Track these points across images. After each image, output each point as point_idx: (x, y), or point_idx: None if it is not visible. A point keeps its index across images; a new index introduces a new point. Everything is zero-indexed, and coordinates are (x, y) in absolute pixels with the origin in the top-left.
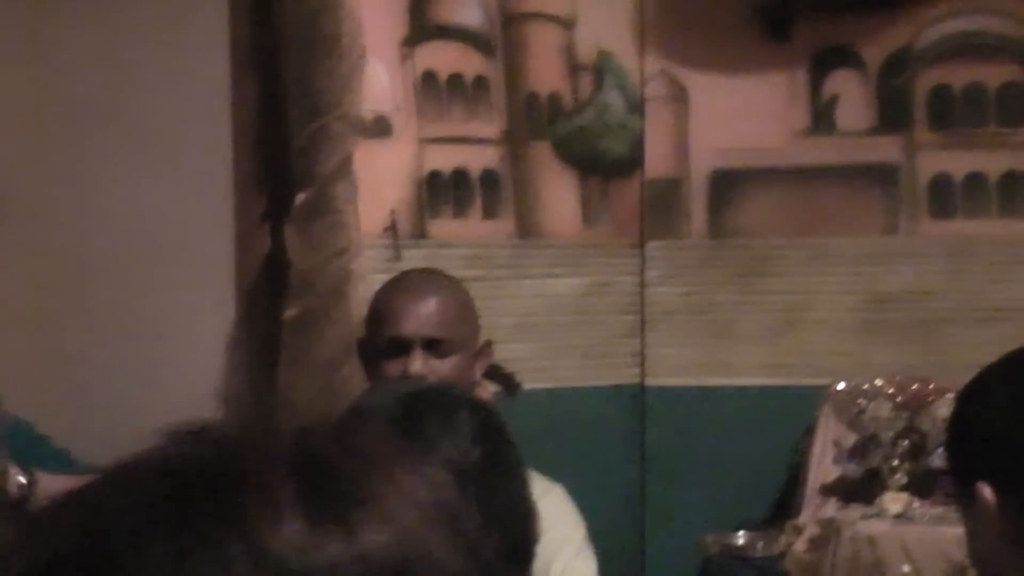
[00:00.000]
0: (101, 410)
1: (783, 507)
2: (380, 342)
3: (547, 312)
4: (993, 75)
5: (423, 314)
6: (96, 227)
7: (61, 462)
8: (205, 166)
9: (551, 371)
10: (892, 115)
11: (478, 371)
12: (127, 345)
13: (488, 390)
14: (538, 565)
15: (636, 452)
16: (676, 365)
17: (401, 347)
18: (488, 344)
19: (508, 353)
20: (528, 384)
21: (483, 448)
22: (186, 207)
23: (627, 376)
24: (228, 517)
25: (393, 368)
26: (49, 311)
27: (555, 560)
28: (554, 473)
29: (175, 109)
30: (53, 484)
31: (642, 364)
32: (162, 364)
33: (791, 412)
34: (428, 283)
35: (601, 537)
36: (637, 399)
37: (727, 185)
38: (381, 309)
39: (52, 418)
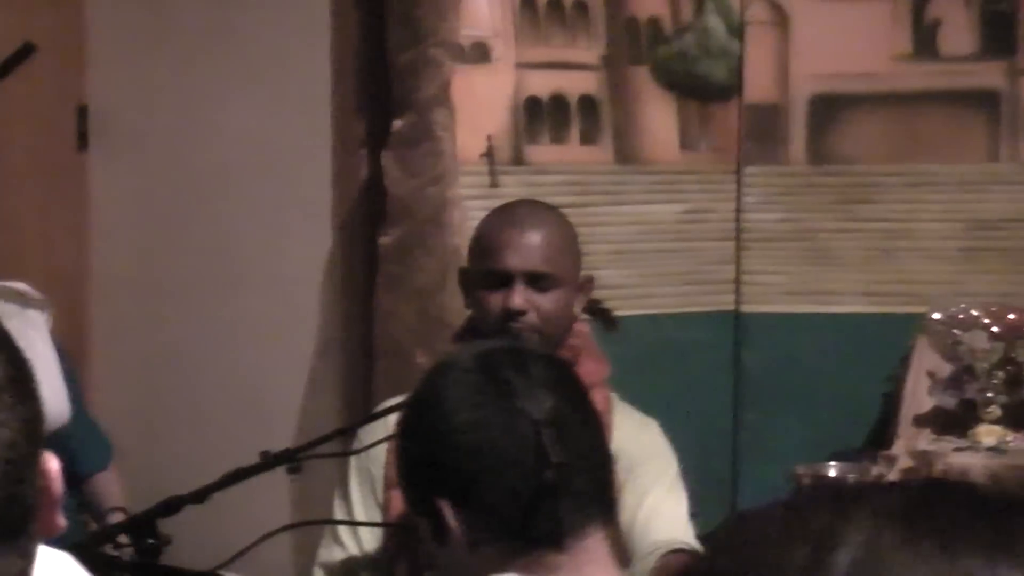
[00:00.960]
0: (195, 329)
1: (877, 437)
2: (482, 274)
3: (644, 238)
4: None
5: (527, 247)
6: (196, 150)
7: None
8: (304, 92)
9: (647, 298)
10: (995, 40)
11: (578, 306)
12: (224, 269)
13: (585, 325)
14: (630, 499)
15: (731, 379)
16: (772, 292)
17: (503, 280)
18: (590, 279)
19: (604, 280)
20: (625, 311)
21: (556, 398)
22: (285, 133)
23: (723, 303)
24: None
25: (494, 301)
26: (149, 232)
27: (647, 495)
28: (649, 399)
29: (276, 34)
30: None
31: (738, 290)
32: (258, 289)
33: (887, 340)
34: (533, 215)
35: (693, 465)
36: (733, 326)
37: (827, 110)
38: (484, 240)
39: (150, 329)
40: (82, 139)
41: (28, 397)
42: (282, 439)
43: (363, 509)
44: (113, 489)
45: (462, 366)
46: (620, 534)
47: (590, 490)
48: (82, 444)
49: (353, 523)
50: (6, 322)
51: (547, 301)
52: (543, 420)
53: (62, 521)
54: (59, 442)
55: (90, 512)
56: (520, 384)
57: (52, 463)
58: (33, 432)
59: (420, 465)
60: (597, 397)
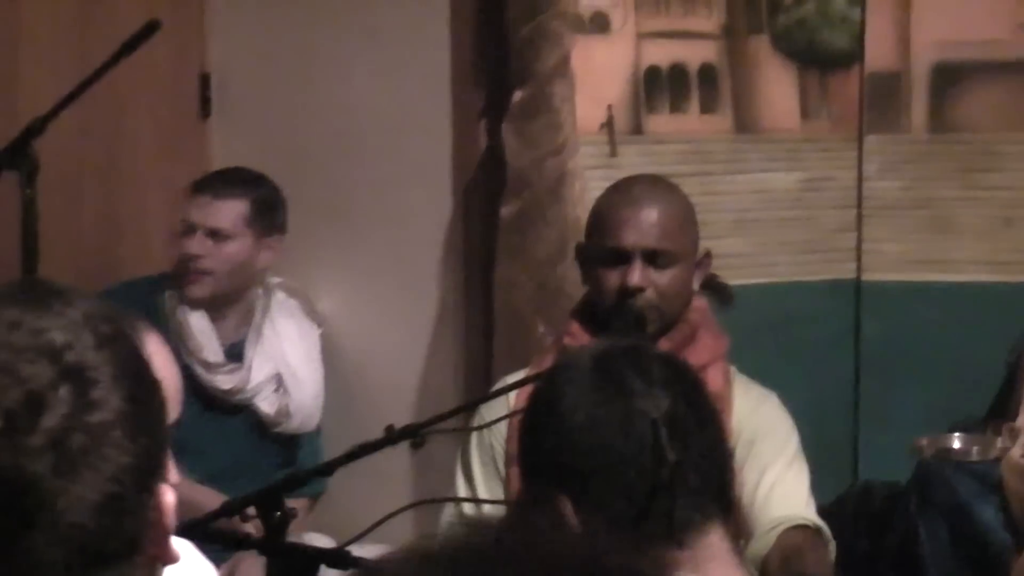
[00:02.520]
0: (314, 300)
1: (1000, 408)
2: (600, 251)
3: (763, 207)
4: None
5: (644, 225)
6: (316, 119)
7: None
8: (424, 62)
9: (767, 266)
10: None
11: (696, 282)
12: (345, 239)
13: (703, 300)
14: (752, 474)
15: (851, 348)
16: (893, 260)
17: (621, 257)
18: (707, 255)
19: (724, 248)
20: (744, 279)
21: (673, 397)
22: (404, 104)
23: (844, 271)
24: None
25: (612, 278)
26: None
27: (767, 471)
28: (769, 369)
29: (395, 4)
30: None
31: (859, 259)
32: (379, 260)
33: (1010, 310)
34: (651, 192)
35: (814, 435)
36: (853, 294)
37: (949, 78)
38: (602, 217)
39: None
40: (204, 107)
41: (145, 432)
42: (403, 409)
43: (485, 485)
44: None
45: (581, 365)
46: (739, 531)
47: (708, 488)
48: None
49: (476, 500)
50: (295, 320)
51: (665, 278)
52: (659, 419)
53: (176, 553)
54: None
55: None
56: (637, 384)
57: (168, 497)
58: (145, 467)
59: (539, 462)
60: (716, 372)
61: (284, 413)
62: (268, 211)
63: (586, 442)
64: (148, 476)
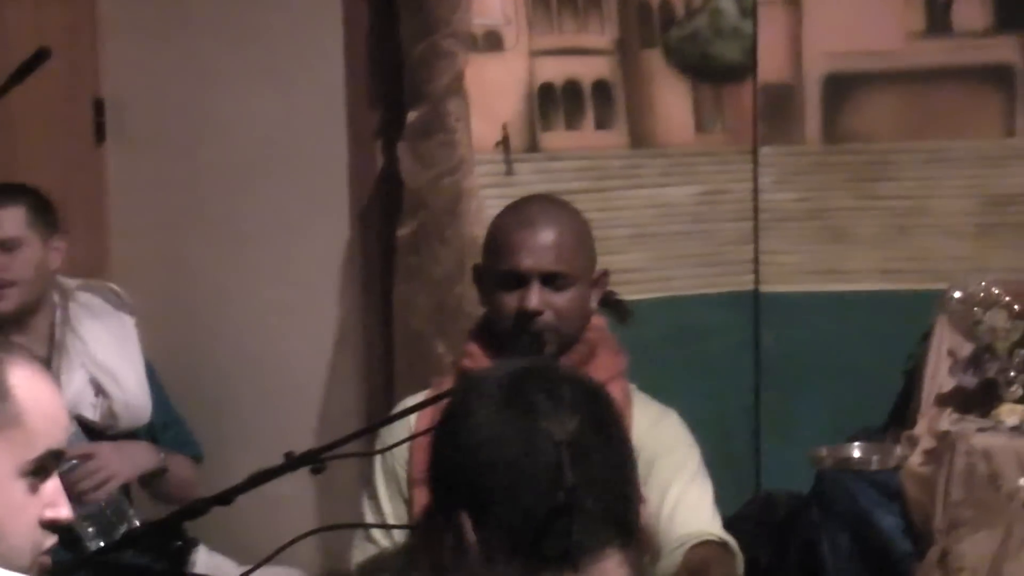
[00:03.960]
0: (210, 322)
1: (899, 415)
2: (497, 273)
3: (660, 221)
4: None
5: (541, 247)
6: (212, 143)
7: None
8: (319, 84)
9: (666, 280)
10: (1008, 14)
11: (594, 301)
12: (242, 260)
13: (602, 318)
14: (654, 493)
15: (751, 360)
16: (790, 271)
17: (518, 280)
18: (605, 273)
19: (622, 263)
20: (643, 294)
21: (581, 419)
22: (300, 125)
23: (741, 283)
24: None
25: (509, 301)
26: (166, 225)
27: (670, 488)
28: (669, 381)
29: (289, 27)
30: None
31: (756, 271)
32: (276, 282)
33: (907, 318)
34: (546, 213)
35: (716, 447)
36: (752, 306)
37: (841, 89)
38: (498, 239)
39: (168, 323)
40: (99, 132)
41: None
42: (303, 431)
43: (391, 506)
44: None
45: (491, 384)
46: (641, 555)
47: (607, 513)
48: (175, 442)
49: (377, 526)
50: (100, 319)
51: (563, 300)
52: (563, 441)
53: None
54: (153, 438)
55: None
56: (545, 404)
57: None
58: None
59: (445, 477)
60: (615, 390)
61: (110, 415)
62: (45, 212)
63: (489, 460)
64: None
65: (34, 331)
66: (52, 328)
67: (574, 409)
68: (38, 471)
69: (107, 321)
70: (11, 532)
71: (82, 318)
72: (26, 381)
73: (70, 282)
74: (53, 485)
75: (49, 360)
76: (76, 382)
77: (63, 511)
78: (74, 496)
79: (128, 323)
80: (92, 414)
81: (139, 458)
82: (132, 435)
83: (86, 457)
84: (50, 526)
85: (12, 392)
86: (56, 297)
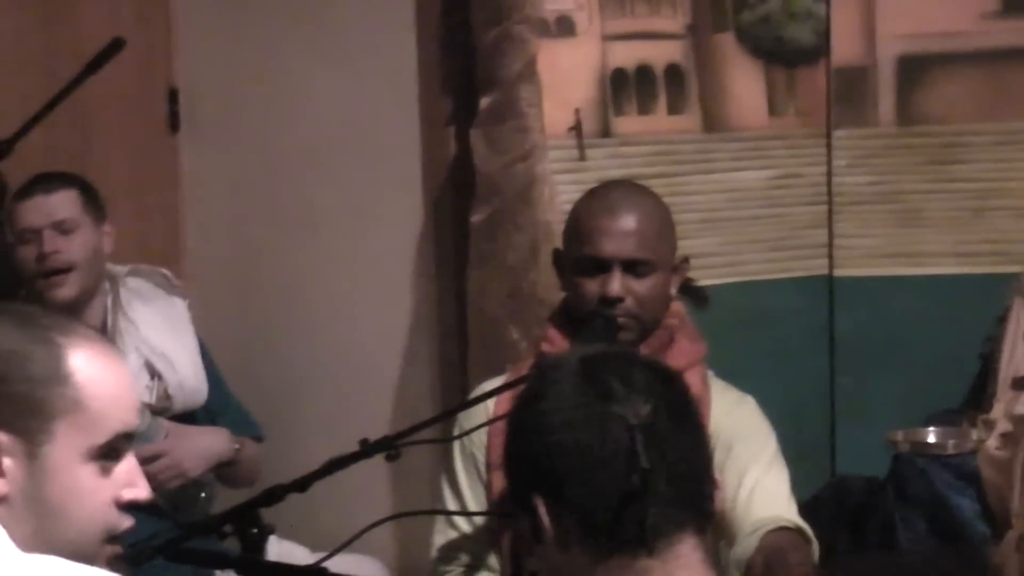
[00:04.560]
0: (286, 310)
1: (975, 398)
2: (578, 259)
3: (734, 206)
4: None
5: (623, 234)
6: (285, 130)
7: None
8: (391, 70)
9: (739, 265)
10: None
11: (674, 287)
12: (316, 247)
13: (681, 304)
14: (731, 478)
15: (825, 344)
16: (864, 255)
17: (599, 266)
18: (685, 260)
19: (695, 248)
20: (716, 279)
21: (655, 404)
22: (373, 112)
23: (815, 267)
24: None
25: (591, 287)
26: (241, 212)
27: (747, 473)
28: (744, 366)
29: (362, 13)
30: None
31: (830, 255)
32: (351, 268)
33: (982, 301)
34: (628, 200)
35: (791, 432)
36: (826, 290)
37: (915, 71)
38: (580, 225)
39: (243, 311)
40: (173, 121)
41: None
42: (378, 417)
43: (471, 492)
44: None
45: (566, 368)
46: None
47: (683, 497)
48: (234, 423)
49: (452, 512)
50: (150, 303)
51: (644, 287)
52: (637, 425)
53: None
54: (212, 421)
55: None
56: (619, 389)
57: None
58: None
59: (519, 461)
60: (693, 377)
61: (165, 397)
62: (95, 197)
63: (562, 444)
64: None
65: (87, 319)
66: (104, 314)
67: (648, 394)
68: (108, 453)
69: (158, 304)
70: (78, 516)
71: (133, 303)
72: (87, 364)
73: (119, 268)
74: (128, 466)
75: None
76: (131, 366)
77: (141, 492)
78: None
79: (180, 305)
80: (148, 397)
81: (214, 449)
82: (189, 417)
83: (155, 457)
84: (128, 507)
85: (73, 377)
86: (107, 284)
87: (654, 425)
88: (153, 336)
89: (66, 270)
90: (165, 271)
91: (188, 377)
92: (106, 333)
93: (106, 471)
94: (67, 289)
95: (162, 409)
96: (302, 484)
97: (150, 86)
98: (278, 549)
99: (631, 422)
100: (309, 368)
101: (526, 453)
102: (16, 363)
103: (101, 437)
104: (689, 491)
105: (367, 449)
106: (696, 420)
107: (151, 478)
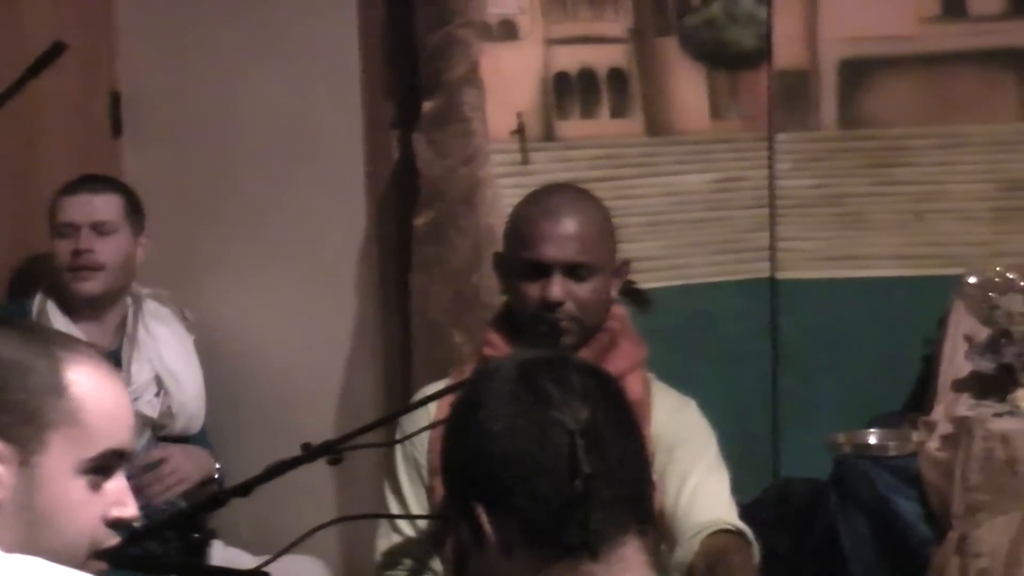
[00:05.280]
0: (229, 316)
1: (916, 400)
2: (519, 263)
3: (677, 209)
4: None
5: (564, 238)
6: (229, 134)
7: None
8: (334, 74)
9: (682, 268)
10: None
11: (614, 291)
12: (259, 251)
13: (623, 307)
14: (672, 481)
15: (768, 346)
16: (807, 258)
17: (540, 270)
18: (626, 263)
19: (639, 251)
20: (660, 282)
21: (593, 408)
22: (316, 116)
23: (758, 270)
24: None
25: (532, 290)
26: (184, 216)
27: (688, 477)
28: (687, 369)
29: (305, 17)
30: None
31: (772, 258)
32: (294, 272)
33: (923, 303)
34: (569, 204)
35: (734, 434)
36: (768, 293)
37: (856, 74)
38: (520, 229)
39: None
40: (115, 125)
41: None
42: (321, 421)
43: (414, 496)
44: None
45: (503, 375)
46: (659, 542)
47: (624, 500)
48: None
49: (396, 516)
50: (168, 325)
51: (584, 290)
52: (577, 430)
53: None
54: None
55: None
56: (556, 394)
57: None
58: None
59: (458, 469)
60: (635, 380)
61: (168, 415)
62: (138, 208)
63: (503, 451)
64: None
65: (106, 322)
66: (124, 320)
67: (585, 398)
68: (99, 469)
69: (174, 328)
70: (66, 528)
71: (152, 320)
72: (86, 379)
73: (142, 289)
74: (117, 484)
75: (119, 351)
76: (143, 375)
77: (129, 510)
78: (142, 497)
79: (189, 339)
80: (150, 410)
81: (202, 463)
82: (184, 441)
83: (161, 461)
84: (114, 525)
85: (69, 389)
86: (130, 297)
87: (594, 429)
88: (167, 353)
89: (96, 267)
90: (176, 304)
91: (192, 399)
92: (124, 337)
93: (96, 487)
94: (93, 284)
95: (162, 426)
96: (245, 488)
97: (93, 90)
98: (222, 554)
99: (570, 427)
100: (252, 372)
101: (465, 461)
102: (17, 373)
103: (93, 451)
104: (630, 494)
105: (310, 453)
106: (633, 423)
107: (158, 481)
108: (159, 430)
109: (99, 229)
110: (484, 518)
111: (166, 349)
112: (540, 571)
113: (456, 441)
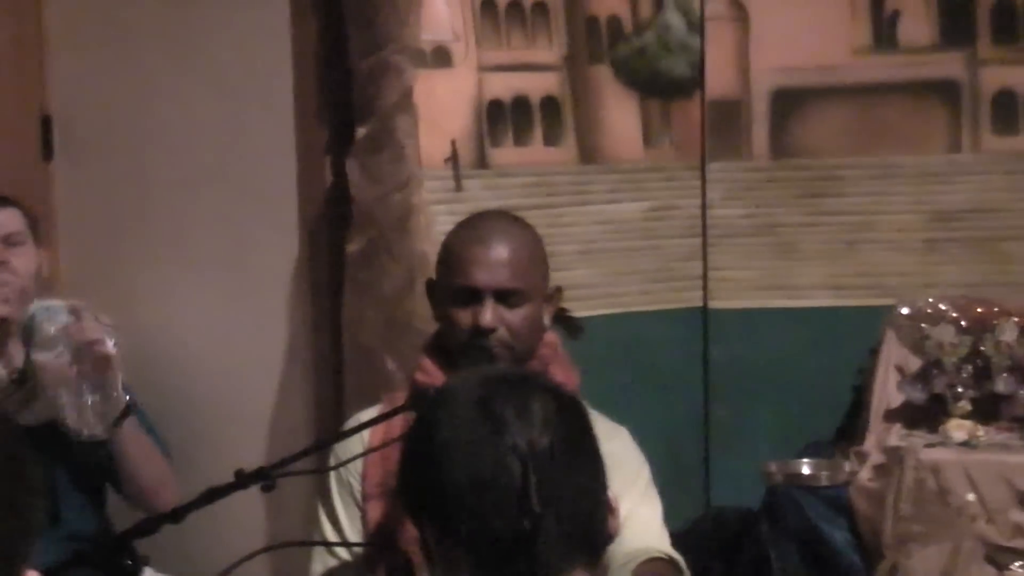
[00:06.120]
0: (160, 339)
1: (848, 429)
2: (450, 289)
3: (610, 237)
4: None
5: (494, 264)
6: (161, 158)
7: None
8: (266, 99)
9: (615, 296)
10: (955, 30)
11: (547, 317)
12: (190, 274)
13: (555, 334)
14: None
15: (700, 375)
16: (739, 287)
17: (472, 296)
18: (558, 290)
19: (572, 279)
20: (593, 310)
21: (552, 437)
22: (248, 140)
23: (690, 299)
24: None
25: (463, 317)
26: (113, 238)
27: (620, 503)
28: (619, 397)
29: (237, 40)
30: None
31: (704, 287)
32: (225, 295)
33: (855, 333)
34: (500, 230)
35: (666, 462)
36: (700, 321)
37: (789, 104)
38: (452, 256)
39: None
40: (47, 149)
41: (6, 517)
42: (253, 447)
43: (348, 521)
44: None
45: (464, 395)
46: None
47: (573, 535)
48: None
49: (327, 544)
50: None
51: (517, 316)
52: (530, 464)
53: None
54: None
55: None
56: (514, 423)
57: None
58: (5, 557)
59: (413, 487)
60: None
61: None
62: (36, 221)
63: (454, 481)
64: (11, 561)
65: (10, 343)
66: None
67: (546, 424)
68: None
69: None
70: None
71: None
72: None
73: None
74: None
75: (25, 372)
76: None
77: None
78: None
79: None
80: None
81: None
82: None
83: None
84: None
85: None
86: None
87: (548, 461)
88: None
89: (8, 282)
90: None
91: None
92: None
93: None
94: (5, 306)
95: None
96: (176, 515)
97: (23, 113)
98: None
99: (524, 460)
100: (183, 398)
101: (419, 482)
102: None
103: None
104: (580, 529)
105: (242, 480)
106: (593, 447)
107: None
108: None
109: (8, 241)
110: (433, 540)
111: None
112: None
113: (413, 461)
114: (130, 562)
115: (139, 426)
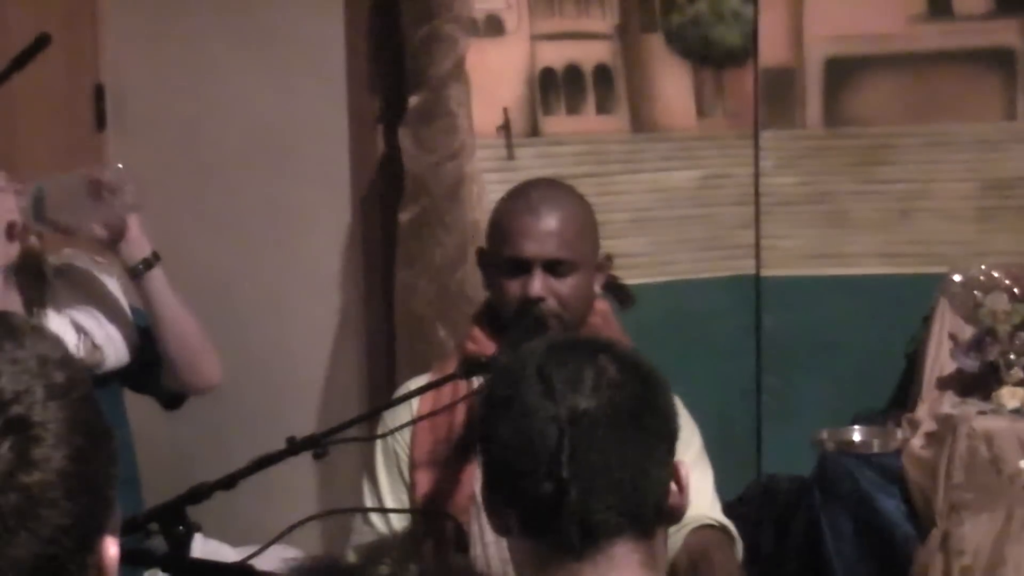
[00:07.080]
0: (214, 310)
1: (900, 398)
2: (500, 259)
3: (662, 206)
4: None
5: (544, 234)
6: (213, 128)
7: None
8: (319, 68)
9: (667, 265)
10: None
11: (597, 286)
12: (243, 246)
13: (605, 303)
14: None
15: (752, 343)
16: (791, 255)
17: (521, 267)
18: (608, 258)
19: (623, 248)
20: (644, 278)
21: (598, 404)
22: (301, 110)
23: (742, 267)
24: None
25: (513, 287)
26: (167, 211)
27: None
28: (671, 366)
29: (290, 11)
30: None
31: (757, 255)
32: (279, 264)
33: (908, 302)
34: (550, 200)
35: (718, 431)
36: (753, 290)
37: (842, 73)
38: (501, 226)
39: None
40: (99, 118)
41: (87, 490)
42: (305, 416)
43: (391, 491)
44: None
45: (527, 360)
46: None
47: (618, 504)
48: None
49: (378, 510)
50: (59, 278)
51: (566, 286)
52: (568, 431)
53: None
54: (152, 374)
55: None
56: (560, 387)
57: (111, 551)
58: (85, 526)
59: (475, 444)
60: None
61: (92, 349)
62: None
63: (500, 439)
64: (88, 534)
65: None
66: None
67: (596, 390)
68: None
69: (85, 277)
70: None
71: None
72: None
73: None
74: None
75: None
76: (57, 324)
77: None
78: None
79: (109, 280)
80: (76, 353)
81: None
82: (130, 371)
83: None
84: None
85: None
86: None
87: (590, 430)
88: (77, 302)
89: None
90: (88, 256)
91: (117, 330)
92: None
93: None
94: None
95: (94, 364)
96: (229, 482)
97: (77, 83)
98: (204, 547)
99: (562, 427)
100: (236, 366)
101: (477, 437)
102: None
103: None
104: (625, 499)
105: (294, 447)
106: (651, 421)
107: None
108: (92, 370)
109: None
110: (486, 495)
111: (75, 300)
112: (541, 565)
113: (478, 415)
114: (182, 528)
115: (168, 283)
